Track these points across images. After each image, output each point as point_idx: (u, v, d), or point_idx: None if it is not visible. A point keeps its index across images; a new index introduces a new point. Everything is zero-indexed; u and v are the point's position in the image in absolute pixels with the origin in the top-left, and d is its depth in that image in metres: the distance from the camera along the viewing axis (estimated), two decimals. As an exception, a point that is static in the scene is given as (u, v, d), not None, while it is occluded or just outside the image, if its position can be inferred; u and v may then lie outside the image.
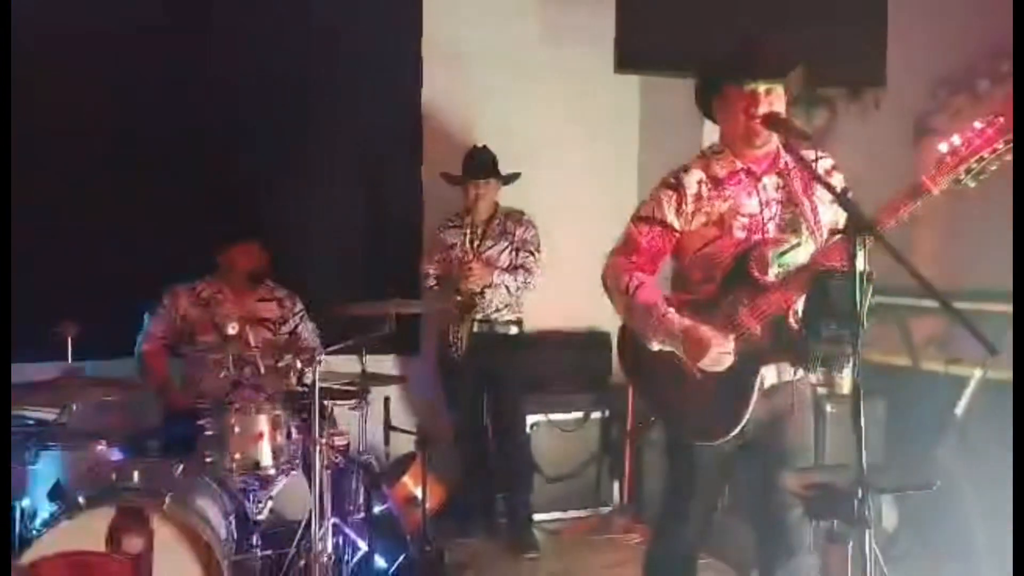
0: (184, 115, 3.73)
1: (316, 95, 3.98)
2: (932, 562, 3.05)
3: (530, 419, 3.99)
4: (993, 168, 1.83)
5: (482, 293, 3.72)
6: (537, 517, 3.93)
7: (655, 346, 2.12)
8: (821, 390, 2.99)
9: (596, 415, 4.16)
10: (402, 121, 4.15)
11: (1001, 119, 1.79)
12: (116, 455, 2.79)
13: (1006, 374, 2.85)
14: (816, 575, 2.11)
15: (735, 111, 2.12)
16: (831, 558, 1.96)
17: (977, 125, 1.82)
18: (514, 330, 3.81)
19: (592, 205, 4.18)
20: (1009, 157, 1.81)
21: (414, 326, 4.11)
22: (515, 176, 3.86)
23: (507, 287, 3.71)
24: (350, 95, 4.02)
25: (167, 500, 2.45)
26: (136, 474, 2.53)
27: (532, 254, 3.77)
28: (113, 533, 2.38)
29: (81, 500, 2.41)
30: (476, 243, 3.78)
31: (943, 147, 1.84)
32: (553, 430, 4.07)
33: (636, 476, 4.12)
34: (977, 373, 2.88)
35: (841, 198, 1.84)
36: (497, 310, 3.76)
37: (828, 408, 2.98)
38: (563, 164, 4.28)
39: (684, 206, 2.18)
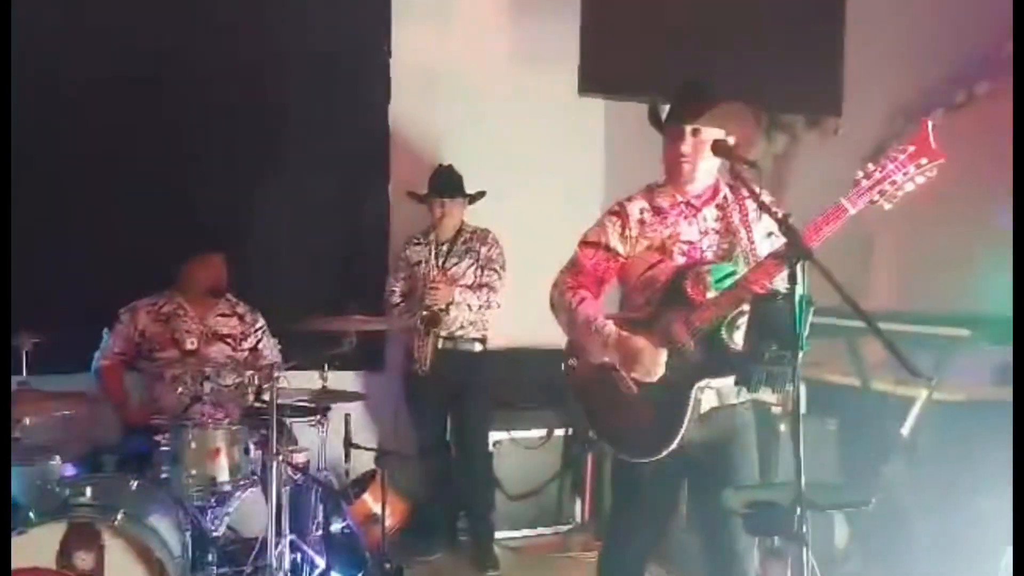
0: (148, 128, 3.75)
1: (283, 111, 4.00)
2: (882, 579, 3.10)
3: (493, 436, 4.01)
4: (908, 189, 1.96)
5: (447, 310, 3.74)
6: (499, 535, 3.94)
7: (595, 357, 2.20)
8: (776, 410, 3.10)
9: (559, 432, 4.18)
10: (369, 139, 4.20)
11: (912, 147, 1.93)
12: (70, 470, 2.80)
13: (951, 395, 2.92)
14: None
15: (669, 147, 2.27)
16: (772, 573, 2.00)
17: (892, 154, 1.96)
18: (478, 347, 3.85)
19: (557, 225, 4.08)
20: (920, 179, 1.94)
21: (378, 342, 4.13)
22: (480, 195, 3.91)
23: (468, 305, 3.75)
24: (318, 112, 4.05)
25: (119, 516, 2.46)
26: (89, 490, 2.53)
27: (496, 272, 3.82)
28: (64, 549, 2.38)
29: (32, 516, 2.42)
30: (442, 260, 3.83)
31: (859, 172, 1.97)
32: (516, 447, 4.09)
33: (597, 494, 4.16)
34: (923, 394, 2.95)
35: (782, 224, 1.90)
36: (461, 327, 3.79)
37: (781, 427, 3.03)
38: (529, 184, 4.33)
39: (628, 231, 2.29)
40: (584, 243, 2.35)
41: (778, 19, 4.13)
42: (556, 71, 4.19)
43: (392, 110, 4.22)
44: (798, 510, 1.72)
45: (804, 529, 1.72)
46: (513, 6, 4.39)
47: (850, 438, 3.21)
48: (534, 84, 4.37)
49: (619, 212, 2.32)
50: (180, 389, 3.30)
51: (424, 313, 3.73)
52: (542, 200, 4.33)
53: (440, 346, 3.78)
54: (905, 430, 2.97)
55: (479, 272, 3.82)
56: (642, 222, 2.29)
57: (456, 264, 3.83)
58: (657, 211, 2.30)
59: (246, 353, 3.51)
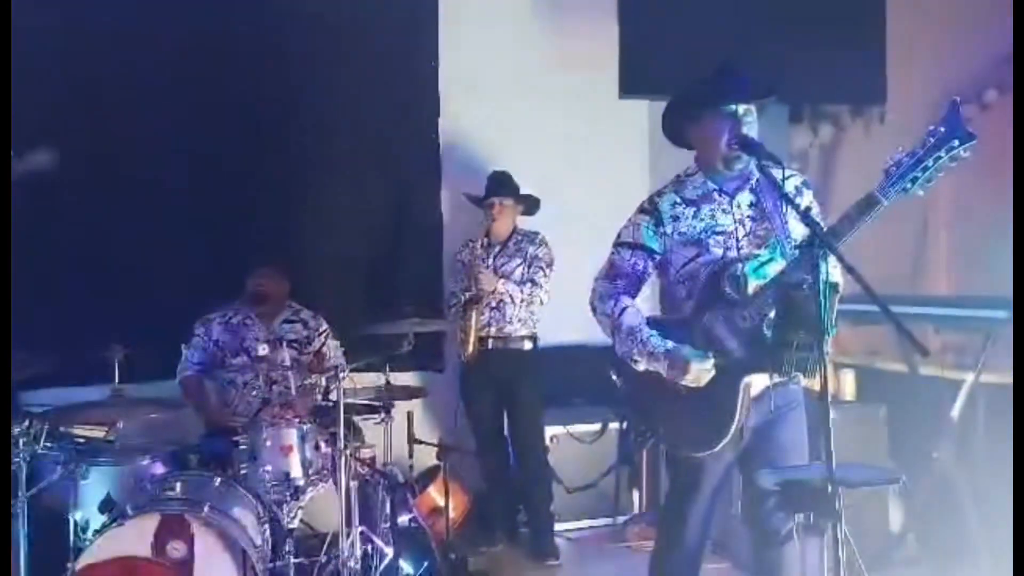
0: (207, 146, 3.96)
1: (336, 121, 4.18)
2: (938, 563, 3.14)
3: (549, 431, 4.12)
4: (940, 175, 1.96)
5: (498, 307, 3.88)
6: (558, 526, 4.05)
7: (640, 366, 2.24)
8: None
9: (613, 426, 4.25)
10: (421, 147, 4.36)
11: (942, 129, 1.93)
12: (160, 468, 2.98)
13: (1000, 377, 2.96)
14: (796, 564, 2.22)
15: (713, 135, 2.23)
16: (808, 548, 2.10)
17: (921, 139, 1.96)
18: (528, 345, 3.97)
19: (604, 225, 4.29)
20: (952, 164, 1.94)
21: (437, 344, 4.29)
22: (535, 204, 4.05)
23: (511, 295, 3.86)
24: (369, 122, 4.22)
25: (206, 509, 2.66)
26: (178, 486, 2.74)
27: (542, 269, 3.94)
28: (158, 539, 2.58)
29: (129, 510, 2.64)
30: (492, 259, 3.97)
31: (888, 161, 1.99)
32: (572, 441, 4.19)
33: (653, 485, 4.24)
34: (970, 377, 2.99)
35: (803, 215, 1.98)
36: (511, 323, 3.91)
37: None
38: (576, 185, 4.43)
39: (662, 228, 2.30)
40: (619, 244, 2.37)
41: (819, 9, 4.20)
42: (597, 75, 4.36)
43: (442, 118, 4.38)
44: (827, 488, 1.79)
45: (837, 505, 1.78)
46: (553, 10, 4.49)
47: (901, 423, 3.28)
48: (575, 88, 4.48)
49: (651, 209, 2.32)
50: (253, 392, 3.52)
51: (467, 293, 3.87)
52: (590, 200, 4.40)
53: (491, 346, 3.91)
54: (955, 412, 3.02)
55: (526, 269, 3.94)
56: (675, 217, 2.28)
57: (506, 263, 3.97)
58: (690, 203, 2.29)
59: (311, 356, 3.68)
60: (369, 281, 4.24)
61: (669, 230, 2.30)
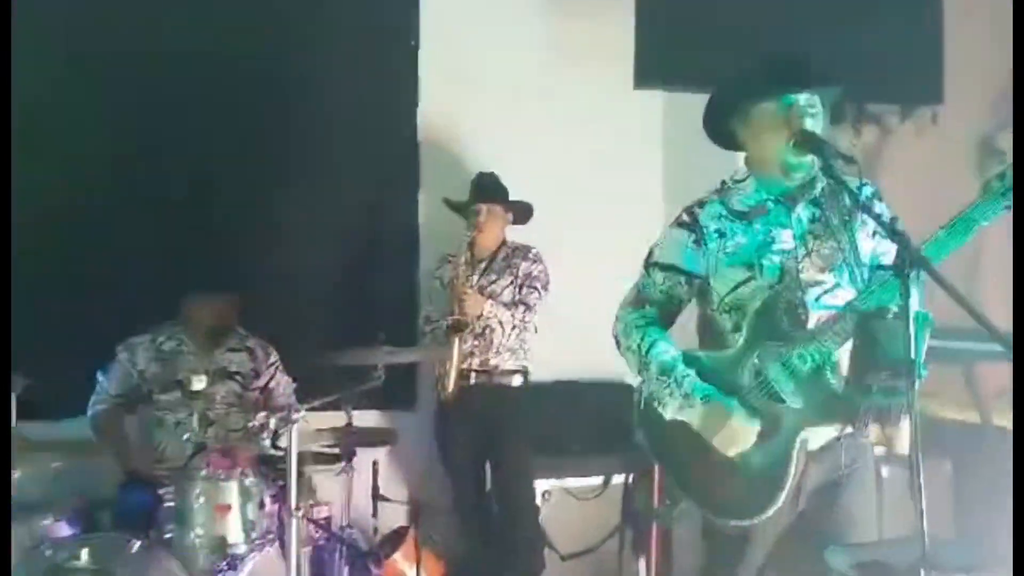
0: (145, 136, 3.82)
1: (298, 110, 4.03)
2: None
3: (541, 486, 3.98)
4: None
5: (483, 335, 3.78)
6: (550, 602, 3.97)
7: (669, 413, 2.16)
8: (878, 450, 3.02)
9: (618, 480, 4.07)
10: (396, 143, 4.25)
11: None
12: (64, 530, 2.83)
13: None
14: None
15: (769, 131, 2.14)
16: None
17: None
18: (518, 380, 3.88)
19: (610, 238, 4.22)
20: None
21: (409, 378, 4.16)
22: (527, 212, 3.97)
23: (499, 321, 3.77)
24: (337, 113, 4.09)
25: None
26: (85, 552, 2.58)
27: (536, 290, 3.86)
28: None
29: (21, 583, 2.48)
30: (477, 277, 3.88)
31: (990, 173, 1.87)
32: (568, 498, 4.05)
33: (665, 553, 4.03)
34: (1058, 429, 2.85)
35: (889, 229, 1.86)
36: (498, 353, 3.81)
37: (884, 471, 2.96)
38: (579, 193, 4.37)
39: (703, 246, 2.22)
40: (650, 265, 2.29)
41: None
42: (605, 65, 4.28)
43: (421, 110, 4.27)
44: (921, 574, 1.69)
45: (931, 601, 1.70)
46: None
47: (968, 483, 3.15)
48: (579, 80, 4.39)
49: (690, 223, 2.24)
50: (185, 436, 3.34)
51: (449, 320, 3.75)
52: (594, 211, 4.35)
53: (474, 380, 3.81)
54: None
55: (517, 290, 3.87)
56: (721, 232, 2.21)
57: (494, 282, 3.89)
58: (739, 215, 2.22)
59: (257, 393, 3.55)
60: (331, 302, 4.11)
61: (713, 248, 2.22)
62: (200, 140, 3.90)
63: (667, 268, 2.25)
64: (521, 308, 3.82)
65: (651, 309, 2.24)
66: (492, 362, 3.82)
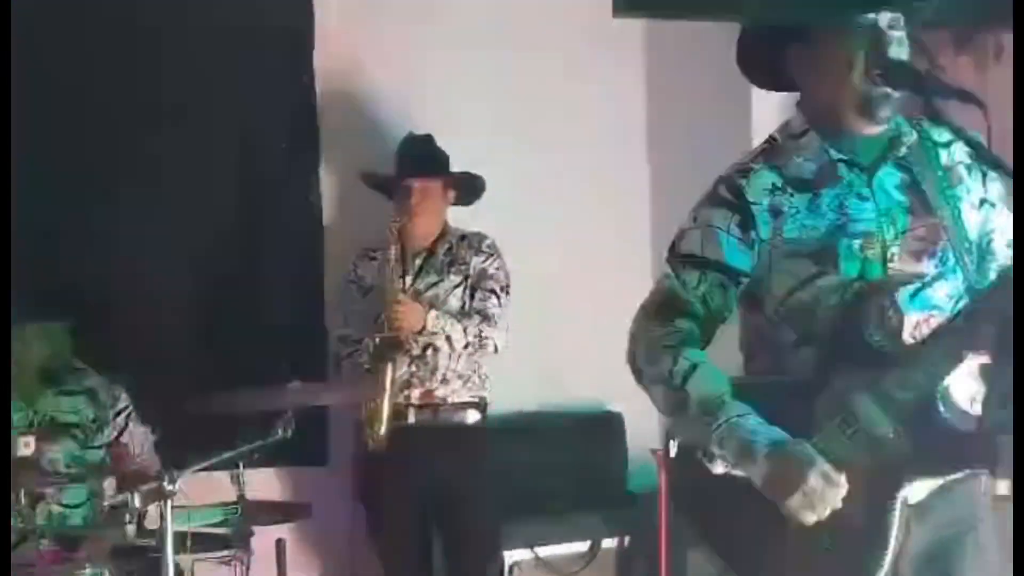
0: None
1: (152, 64, 3.98)
2: None
3: (509, 557, 3.99)
4: None
5: (423, 357, 3.72)
6: None
7: (719, 468, 2.06)
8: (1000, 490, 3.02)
9: (609, 544, 4.17)
10: (285, 102, 4.19)
11: None
12: None
13: None
14: None
15: (839, 62, 2.05)
16: None
17: None
18: (473, 417, 3.84)
19: (585, 219, 4.32)
20: None
21: (321, 422, 4.05)
22: (472, 181, 3.89)
23: (449, 338, 3.70)
24: (206, 62, 4.04)
25: None
26: None
27: (495, 294, 3.82)
28: None
29: None
30: (411, 279, 3.82)
31: None
32: (545, 572, 4.09)
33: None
34: None
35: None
36: (445, 381, 3.75)
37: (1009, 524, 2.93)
38: (544, 157, 4.35)
39: (753, 230, 2.11)
40: (678, 259, 2.18)
41: None
42: None
43: (318, 52, 4.18)
44: None
45: None
46: None
47: None
48: (538, 9, 4.35)
49: (731, 199, 2.13)
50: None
51: (375, 339, 3.68)
52: (564, 182, 4.33)
53: (413, 419, 3.75)
54: None
55: (467, 295, 3.83)
56: (776, 210, 2.10)
57: (436, 284, 3.82)
58: (799, 184, 2.12)
59: (103, 451, 3.49)
60: (205, 323, 4.07)
61: (766, 233, 2.11)
62: (38, 109, 3.79)
63: (703, 264, 2.14)
64: (476, 319, 3.75)
65: (684, 322, 2.13)
66: (438, 393, 3.76)
